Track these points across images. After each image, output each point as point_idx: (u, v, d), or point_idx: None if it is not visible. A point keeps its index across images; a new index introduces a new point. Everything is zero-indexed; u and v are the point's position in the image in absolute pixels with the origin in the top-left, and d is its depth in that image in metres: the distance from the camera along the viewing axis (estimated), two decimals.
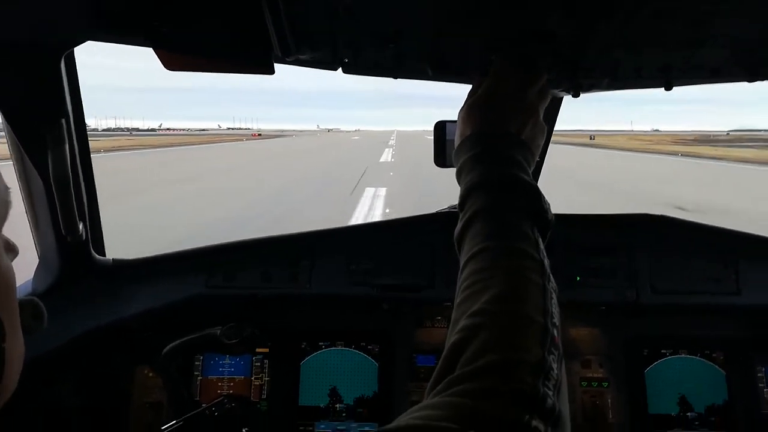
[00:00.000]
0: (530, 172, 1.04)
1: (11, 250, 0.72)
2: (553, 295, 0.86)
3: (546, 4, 1.12)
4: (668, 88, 1.50)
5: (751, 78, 1.45)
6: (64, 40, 1.35)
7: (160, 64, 1.28)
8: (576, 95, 1.64)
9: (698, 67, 1.46)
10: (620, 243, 1.96)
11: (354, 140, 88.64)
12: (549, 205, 0.99)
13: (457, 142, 1.10)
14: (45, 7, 1.22)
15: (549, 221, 0.98)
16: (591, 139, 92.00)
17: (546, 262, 0.89)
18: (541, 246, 0.92)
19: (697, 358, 1.99)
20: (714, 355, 1.99)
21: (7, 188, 0.69)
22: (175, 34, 1.22)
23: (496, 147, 1.03)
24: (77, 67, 1.57)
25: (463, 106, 1.13)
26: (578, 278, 1.93)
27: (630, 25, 1.19)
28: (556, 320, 0.82)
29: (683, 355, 2.00)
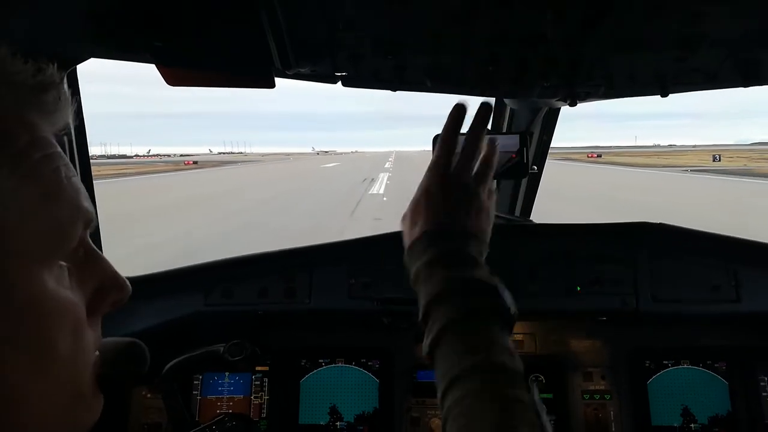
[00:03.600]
0: (484, 262, 1.05)
1: (110, 290, 0.67)
2: (538, 401, 0.91)
3: (538, 9, 1.14)
4: (664, 94, 1.53)
5: (746, 83, 1.48)
6: (68, 56, 1.36)
7: (164, 82, 1.29)
8: (573, 104, 1.67)
9: (693, 73, 1.48)
10: (620, 252, 1.96)
11: (328, 169, 63.97)
12: (510, 298, 0.99)
13: (407, 243, 1.08)
14: (49, 24, 1.23)
15: (513, 316, 0.97)
16: (598, 157, 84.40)
17: (521, 367, 0.90)
18: (513, 350, 0.92)
19: (700, 368, 1.98)
20: (716, 365, 1.98)
21: (81, 210, 0.61)
22: (176, 50, 1.23)
23: (450, 247, 1.02)
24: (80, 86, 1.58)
25: (411, 202, 1.11)
26: (578, 288, 1.92)
27: (622, 29, 1.21)
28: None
29: (685, 366, 1.99)
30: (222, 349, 1.84)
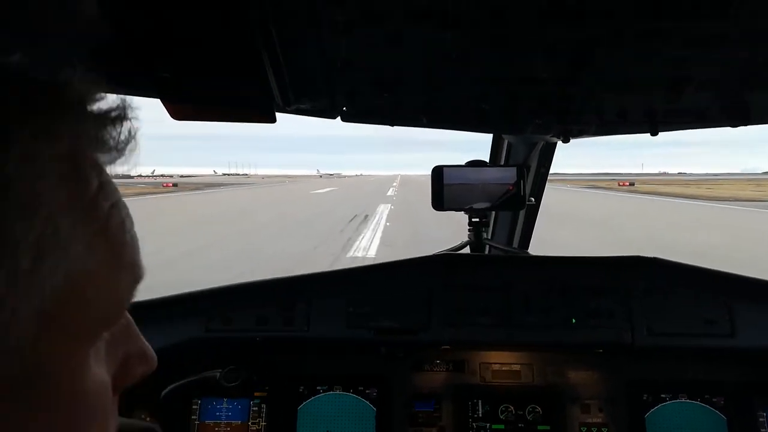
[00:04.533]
0: None
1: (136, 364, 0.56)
2: None
3: (528, 51, 1.19)
4: (654, 133, 1.57)
5: (733, 123, 1.52)
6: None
7: (167, 113, 1.35)
8: (566, 141, 1.71)
9: (682, 113, 1.52)
10: (613, 285, 1.97)
11: (316, 197, 49.85)
12: None
13: None
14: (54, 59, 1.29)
15: None
16: (631, 185, 76.76)
17: None
18: None
19: (698, 403, 1.98)
20: (714, 399, 1.97)
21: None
22: (181, 86, 1.28)
23: None
24: None
25: None
26: (573, 320, 1.94)
27: (610, 70, 1.26)
28: None
29: (683, 400, 1.98)
30: (218, 374, 1.86)
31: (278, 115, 1.39)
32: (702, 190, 61.28)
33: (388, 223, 23.02)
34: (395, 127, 1.61)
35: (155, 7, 1.01)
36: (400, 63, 1.28)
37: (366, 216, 26.51)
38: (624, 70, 1.27)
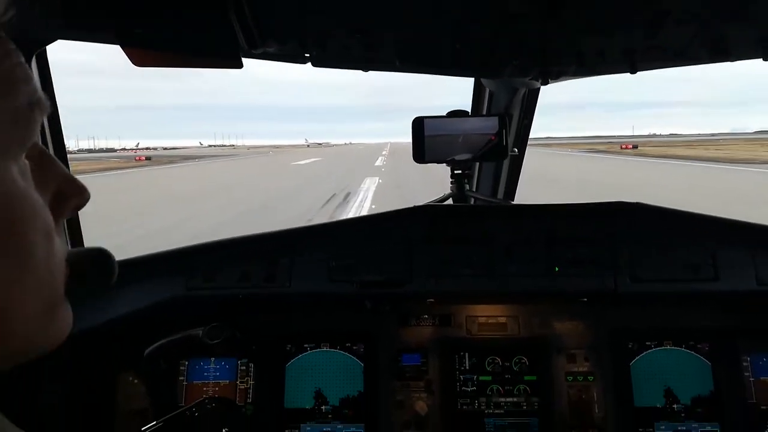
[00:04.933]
0: None
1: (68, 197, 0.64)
2: None
3: None
4: (633, 71, 1.54)
5: (713, 58, 1.48)
6: (35, 38, 1.37)
7: (129, 62, 1.30)
8: (545, 83, 1.67)
9: (661, 49, 1.48)
10: (598, 232, 1.96)
11: (298, 168, 46.83)
12: None
13: None
14: (16, 5, 1.24)
15: None
16: (634, 148, 70.63)
17: None
18: None
19: (682, 349, 1.99)
20: (699, 345, 1.98)
21: None
22: (143, 31, 1.24)
23: None
24: (50, 68, 1.57)
25: None
26: (557, 269, 1.93)
27: (588, 8, 1.22)
28: None
29: (668, 347, 1.99)
30: (201, 332, 1.85)
31: (242, 65, 1.34)
32: (713, 152, 56.27)
33: (373, 206, 18.79)
34: (369, 71, 1.57)
35: None
36: (371, 3, 1.23)
37: (347, 194, 22.47)
38: (602, 7, 1.24)
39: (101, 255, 0.77)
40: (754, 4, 1.25)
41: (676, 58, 1.52)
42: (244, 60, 1.34)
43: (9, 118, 0.54)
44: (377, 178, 30.36)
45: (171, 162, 66.35)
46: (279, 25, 1.29)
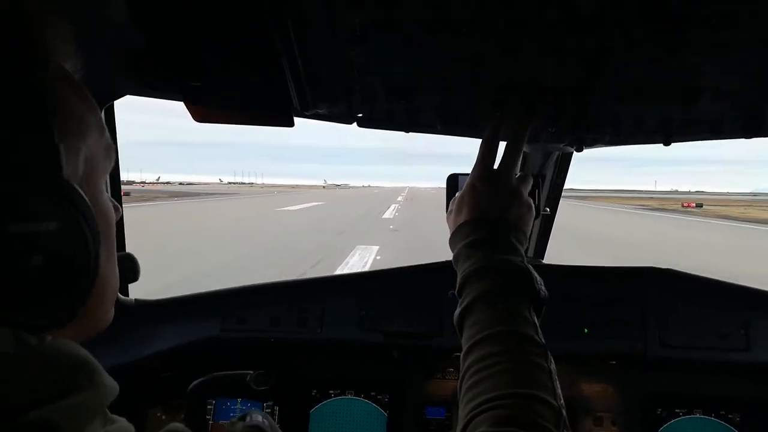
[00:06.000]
0: (522, 250, 1.12)
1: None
2: (556, 377, 0.94)
3: (541, 58, 1.21)
4: (667, 143, 1.58)
5: (747, 134, 1.52)
6: (106, 92, 1.48)
7: (191, 118, 1.40)
8: (579, 150, 1.72)
9: (696, 123, 1.52)
10: (627, 296, 1.97)
11: (285, 215, 38.19)
12: (541, 283, 1.08)
13: (451, 230, 1.19)
14: (91, 60, 1.35)
15: (543, 299, 1.06)
16: (698, 207, 61.89)
17: (544, 343, 0.98)
18: (539, 329, 1.00)
19: (713, 418, 1.95)
20: (730, 416, 1.95)
21: None
22: (204, 89, 1.33)
23: (489, 233, 1.11)
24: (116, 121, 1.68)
25: (456, 197, 1.24)
26: (586, 330, 1.93)
27: (624, 80, 1.28)
28: (563, 401, 0.89)
29: (698, 416, 1.96)
30: (248, 376, 1.89)
31: (293, 124, 1.43)
32: None
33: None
34: (410, 133, 1.64)
35: (180, 14, 1.06)
36: (415, 70, 1.31)
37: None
38: (637, 79, 1.29)
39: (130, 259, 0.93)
40: None
41: (711, 131, 1.56)
42: (295, 119, 1.43)
43: (104, 151, 0.72)
44: (374, 251, 18.26)
45: (154, 199, 62.04)
46: (330, 90, 1.38)
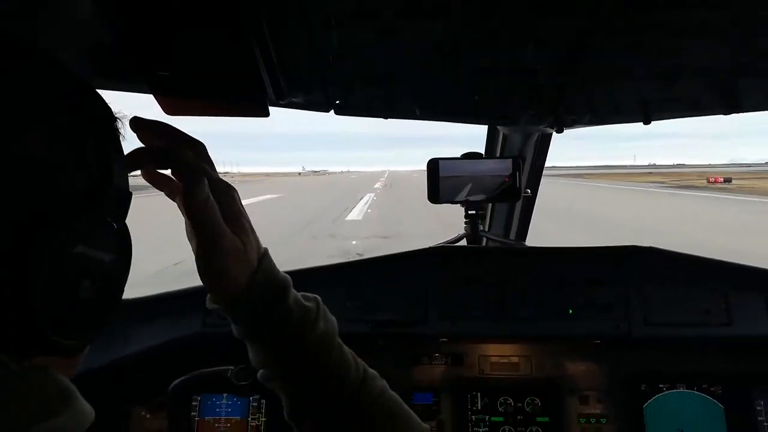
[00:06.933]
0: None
1: None
2: None
3: (521, 43, 1.19)
4: (647, 122, 1.58)
5: (728, 110, 1.52)
6: None
7: (161, 110, 1.35)
8: (559, 131, 1.72)
9: (675, 101, 1.53)
10: (610, 275, 1.98)
11: None
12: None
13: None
14: (56, 56, 1.29)
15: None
16: (726, 182, 53.78)
17: None
18: None
19: (695, 392, 1.99)
20: (712, 389, 1.98)
21: None
22: (174, 81, 1.29)
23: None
24: None
25: None
26: (570, 311, 1.95)
27: (603, 61, 1.27)
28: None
29: (681, 390, 1.99)
30: (230, 372, 1.86)
31: (269, 114, 1.39)
32: None
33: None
34: (389, 119, 1.62)
35: (148, 3, 1.01)
36: (392, 56, 1.28)
37: None
38: (616, 61, 1.28)
39: None
40: (765, 62, 1.30)
41: (690, 109, 1.56)
42: (270, 108, 1.39)
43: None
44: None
45: None
46: (305, 79, 1.34)
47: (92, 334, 0.64)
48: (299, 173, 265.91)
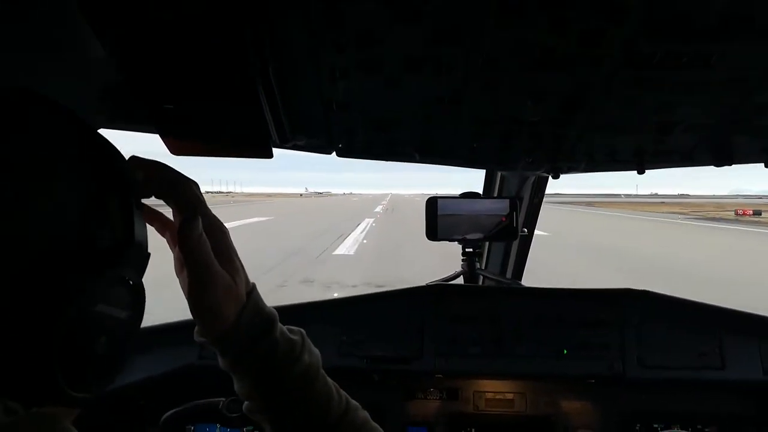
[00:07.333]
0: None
1: None
2: None
3: (520, 95, 1.23)
4: (641, 171, 1.62)
5: (718, 163, 1.56)
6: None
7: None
8: (556, 177, 1.75)
9: (669, 152, 1.56)
10: (606, 317, 2.00)
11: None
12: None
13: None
14: (61, 98, 1.32)
15: None
16: (755, 215, 48.02)
17: None
18: None
19: None
20: (707, 429, 1.98)
21: None
22: (179, 122, 1.32)
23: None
24: None
25: None
26: (565, 351, 1.96)
27: (599, 114, 1.31)
28: None
29: (676, 430, 1.99)
30: (221, 403, 1.86)
31: (272, 155, 1.42)
32: None
33: None
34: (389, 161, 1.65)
35: (155, 45, 1.05)
36: (394, 105, 1.32)
37: None
38: (613, 114, 1.32)
39: None
40: (757, 119, 1.34)
41: (682, 160, 1.60)
42: (273, 149, 1.42)
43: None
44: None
45: None
46: (309, 124, 1.38)
47: (102, 386, 0.65)
48: (301, 194, 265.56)
